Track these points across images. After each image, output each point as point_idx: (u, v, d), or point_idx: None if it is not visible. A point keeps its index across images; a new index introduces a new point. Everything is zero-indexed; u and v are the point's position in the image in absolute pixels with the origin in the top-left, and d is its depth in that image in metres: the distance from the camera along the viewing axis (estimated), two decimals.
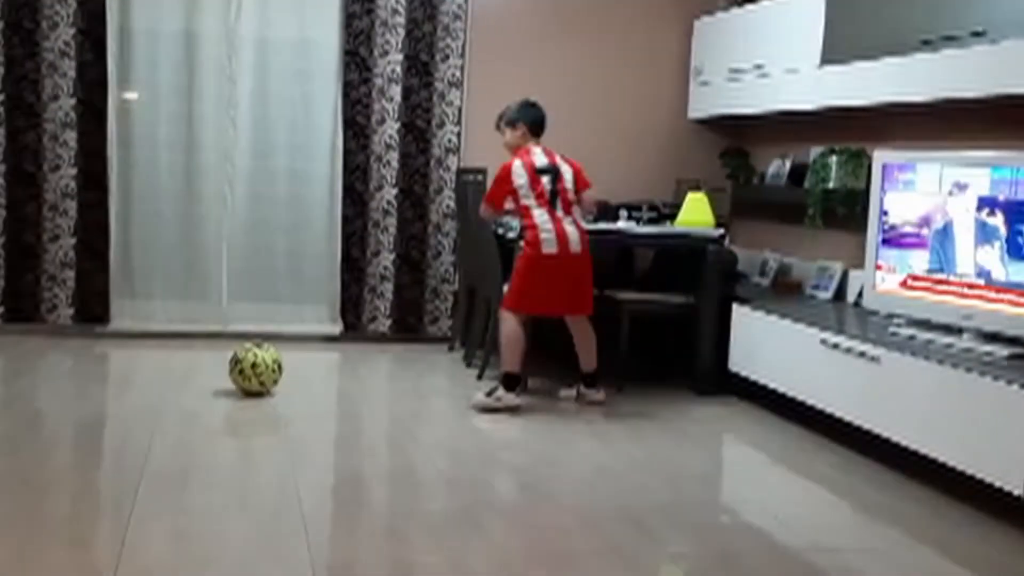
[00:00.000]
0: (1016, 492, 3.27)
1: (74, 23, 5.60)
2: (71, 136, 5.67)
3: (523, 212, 4.68)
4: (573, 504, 3.49)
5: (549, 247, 4.60)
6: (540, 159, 4.72)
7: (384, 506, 3.38)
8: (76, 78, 5.63)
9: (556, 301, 4.68)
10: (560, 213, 4.65)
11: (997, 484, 3.35)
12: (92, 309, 5.79)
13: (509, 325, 4.69)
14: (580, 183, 4.77)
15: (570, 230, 4.64)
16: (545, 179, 4.67)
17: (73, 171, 5.68)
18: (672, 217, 5.52)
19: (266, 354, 4.64)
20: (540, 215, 4.64)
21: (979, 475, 3.43)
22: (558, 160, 4.74)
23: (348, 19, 5.87)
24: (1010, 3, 3.85)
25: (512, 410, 4.60)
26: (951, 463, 3.56)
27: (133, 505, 3.17)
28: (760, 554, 3.09)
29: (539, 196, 4.65)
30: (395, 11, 5.88)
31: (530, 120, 4.82)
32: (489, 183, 4.95)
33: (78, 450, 3.90)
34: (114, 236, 5.79)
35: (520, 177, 4.68)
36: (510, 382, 4.64)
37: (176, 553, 2.83)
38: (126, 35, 5.73)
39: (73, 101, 5.65)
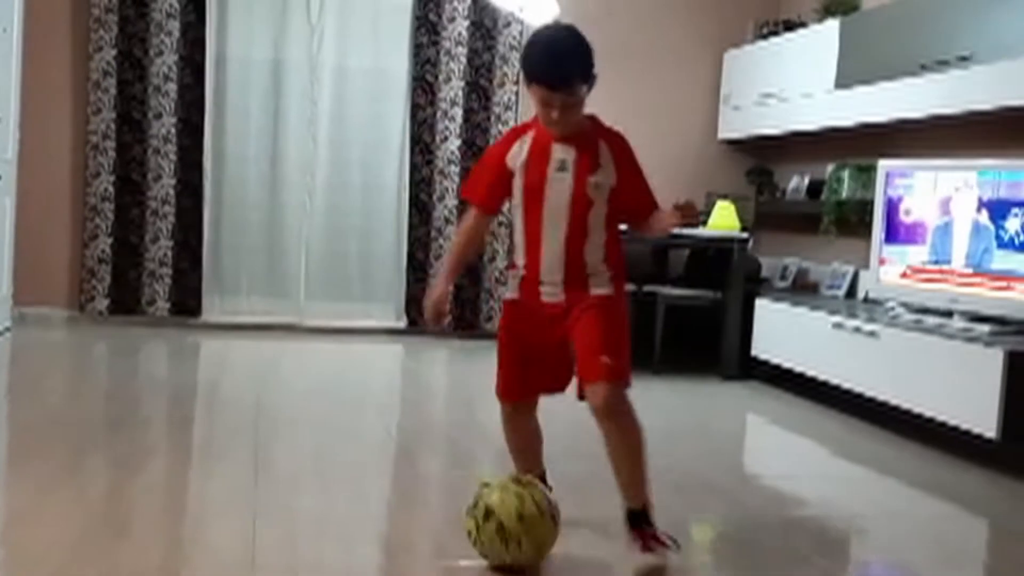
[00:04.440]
0: (988, 435, 3.91)
1: (177, 51, 6.38)
2: (172, 150, 6.43)
3: None
4: None
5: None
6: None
7: (460, 441, 4.09)
8: (177, 99, 6.41)
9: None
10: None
11: (975, 431, 3.98)
12: (186, 303, 6.52)
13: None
14: None
15: None
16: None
17: (172, 181, 6.44)
18: (703, 223, 6.20)
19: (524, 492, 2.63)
20: None
21: (959, 424, 4.07)
22: None
23: (416, 49, 6.64)
24: (992, 31, 4.52)
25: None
26: (937, 416, 4.20)
27: (257, 437, 3.89)
28: (749, 479, 3.76)
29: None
30: (458, 42, 6.64)
31: None
32: None
33: (206, 403, 4.63)
34: (207, 239, 6.55)
35: None
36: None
37: (305, 468, 3.55)
38: (222, 62, 6.52)
39: (174, 119, 6.42)
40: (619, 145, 2.82)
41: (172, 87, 6.40)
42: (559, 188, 2.74)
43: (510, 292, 2.89)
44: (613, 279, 2.81)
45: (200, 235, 6.51)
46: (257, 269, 6.65)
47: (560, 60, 2.67)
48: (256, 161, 6.61)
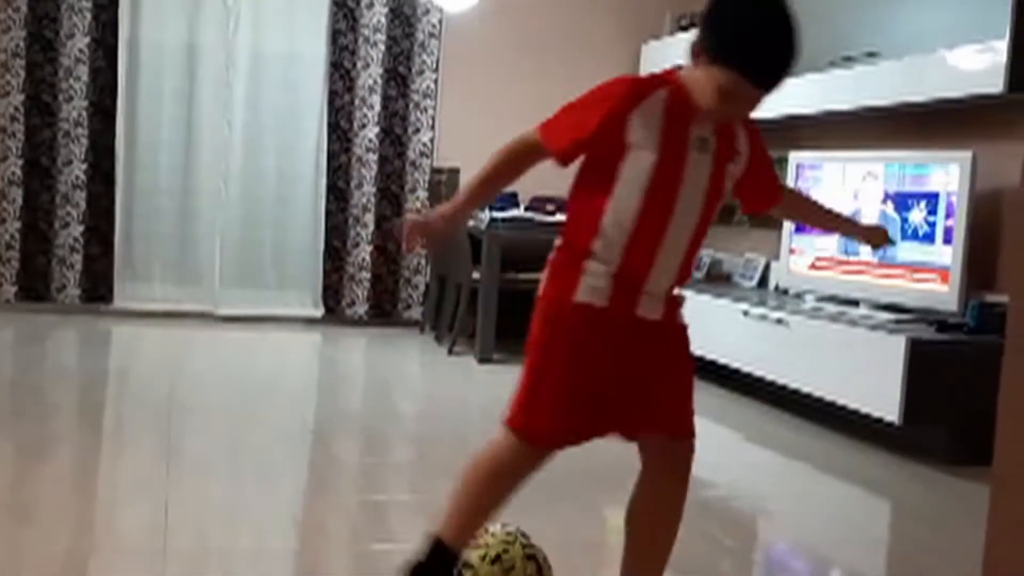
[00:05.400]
0: (890, 419, 4.03)
1: (89, 33, 6.24)
2: (83, 134, 6.30)
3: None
4: None
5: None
6: None
7: (376, 428, 4.09)
8: (89, 82, 6.27)
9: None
10: None
11: (878, 415, 4.10)
12: (97, 290, 6.40)
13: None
14: None
15: None
16: None
17: (84, 166, 6.31)
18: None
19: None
20: None
21: (863, 409, 4.19)
22: None
23: (334, 35, 6.59)
24: (898, 28, 4.65)
25: None
26: (843, 402, 4.32)
27: (169, 424, 3.85)
28: None
29: None
30: (376, 29, 6.61)
31: None
32: (463, 179, 5.64)
33: (116, 390, 4.56)
34: (119, 225, 6.42)
35: None
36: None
37: (217, 455, 3.52)
38: (135, 45, 6.39)
39: (86, 103, 6.28)
40: (754, 131, 2.22)
41: (84, 70, 6.26)
42: (697, 173, 2.03)
43: (586, 295, 2.01)
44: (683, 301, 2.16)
45: (112, 221, 6.38)
46: (170, 256, 6.55)
47: (791, 57, 2.00)
48: (169, 146, 6.50)
